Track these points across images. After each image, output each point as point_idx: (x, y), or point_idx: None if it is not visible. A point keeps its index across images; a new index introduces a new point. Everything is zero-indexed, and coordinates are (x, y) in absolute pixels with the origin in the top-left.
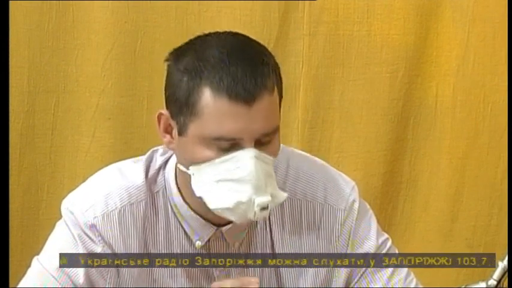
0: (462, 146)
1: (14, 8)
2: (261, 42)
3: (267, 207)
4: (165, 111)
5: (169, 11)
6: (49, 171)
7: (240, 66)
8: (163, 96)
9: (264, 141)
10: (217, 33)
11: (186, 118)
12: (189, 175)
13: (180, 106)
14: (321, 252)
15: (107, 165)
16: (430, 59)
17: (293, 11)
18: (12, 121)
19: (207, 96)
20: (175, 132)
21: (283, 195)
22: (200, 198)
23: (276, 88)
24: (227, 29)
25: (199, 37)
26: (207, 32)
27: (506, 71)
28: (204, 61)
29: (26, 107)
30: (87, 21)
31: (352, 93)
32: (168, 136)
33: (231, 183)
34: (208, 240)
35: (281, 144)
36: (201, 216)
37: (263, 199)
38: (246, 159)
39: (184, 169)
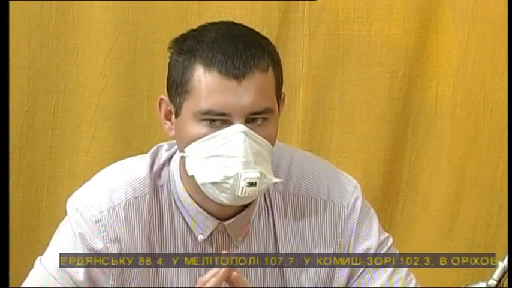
0: (462, 146)
1: (14, 8)
2: None
3: (255, 183)
4: (165, 97)
5: (169, 11)
6: (49, 171)
7: (233, 44)
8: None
9: (255, 121)
10: (220, 21)
11: (181, 98)
12: (185, 158)
13: (176, 87)
14: (324, 247)
15: (106, 165)
16: (430, 59)
17: (293, 11)
18: (12, 121)
19: (198, 73)
20: (173, 117)
21: (274, 178)
22: (192, 177)
23: (271, 71)
24: None
25: (202, 25)
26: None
27: (506, 71)
28: (200, 42)
29: (26, 107)
30: (87, 21)
31: (352, 93)
32: (168, 123)
33: (220, 158)
34: (211, 234)
35: (283, 144)
36: (204, 209)
37: (250, 174)
38: (234, 133)
39: (181, 154)
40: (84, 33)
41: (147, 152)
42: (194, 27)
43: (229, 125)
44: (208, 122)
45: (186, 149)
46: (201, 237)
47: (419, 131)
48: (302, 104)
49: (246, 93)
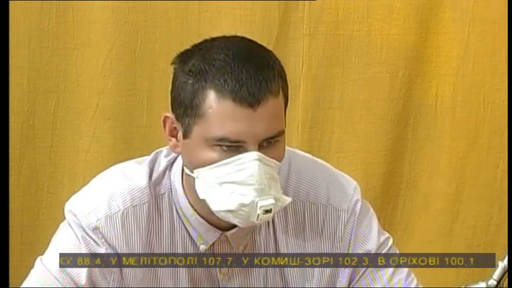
0: (462, 146)
1: (14, 8)
2: (261, 42)
3: (271, 210)
4: (170, 114)
5: (169, 11)
6: (49, 171)
7: (245, 69)
8: (169, 98)
9: (268, 145)
10: (224, 37)
11: (190, 120)
12: (194, 178)
13: (184, 108)
14: (324, 251)
15: (107, 165)
16: (430, 59)
17: (293, 11)
18: (12, 121)
19: (211, 99)
20: (180, 135)
21: (286, 199)
22: (204, 200)
23: (281, 93)
24: (227, 29)
25: (205, 40)
26: (209, 34)
27: (506, 71)
28: (210, 64)
29: (26, 107)
30: (87, 21)
31: (352, 93)
32: (173, 139)
33: (234, 185)
34: (213, 244)
35: None
36: (206, 220)
37: (266, 202)
38: (249, 161)
39: (189, 172)
40: (84, 33)
41: (147, 153)
42: (195, 25)
43: (242, 151)
44: (221, 147)
45: (195, 171)
46: (203, 247)
47: (419, 131)
48: (302, 104)
49: (260, 120)
